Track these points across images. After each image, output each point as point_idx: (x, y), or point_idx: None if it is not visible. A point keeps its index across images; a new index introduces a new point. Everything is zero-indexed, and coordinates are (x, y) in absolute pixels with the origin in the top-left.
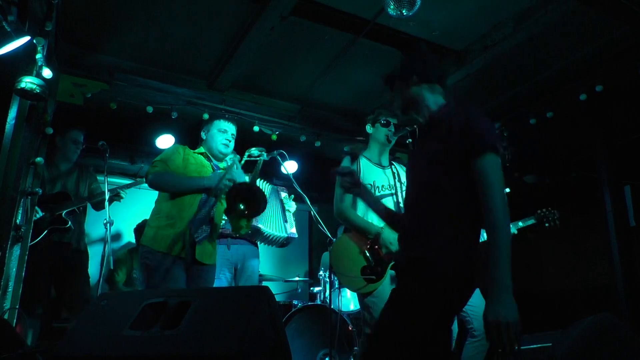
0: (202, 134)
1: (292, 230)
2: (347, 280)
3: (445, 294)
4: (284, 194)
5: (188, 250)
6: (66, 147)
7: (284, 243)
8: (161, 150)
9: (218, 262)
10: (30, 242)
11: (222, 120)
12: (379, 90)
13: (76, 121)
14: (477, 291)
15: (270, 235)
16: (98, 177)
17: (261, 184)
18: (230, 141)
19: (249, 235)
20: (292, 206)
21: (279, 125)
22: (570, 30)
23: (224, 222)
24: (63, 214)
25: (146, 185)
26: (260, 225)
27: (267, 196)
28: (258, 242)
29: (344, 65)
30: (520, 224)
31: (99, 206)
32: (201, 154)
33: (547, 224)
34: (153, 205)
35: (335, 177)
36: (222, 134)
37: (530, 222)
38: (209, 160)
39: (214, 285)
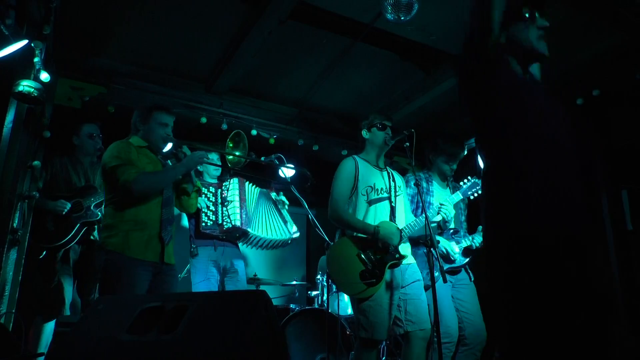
0: (138, 124)
1: (294, 229)
2: (345, 286)
3: None
4: (274, 194)
5: (159, 253)
6: (84, 142)
7: (286, 243)
8: None
9: (204, 263)
10: (62, 240)
11: (162, 113)
12: (377, 94)
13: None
14: (472, 298)
15: (271, 240)
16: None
17: (249, 187)
18: (169, 135)
19: (235, 238)
20: (286, 203)
21: (276, 129)
22: (566, 36)
23: (211, 222)
24: (92, 206)
25: None
26: (250, 230)
27: (256, 200)
28: (240, 244)
29: (341, 69)
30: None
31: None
32: (145, 147)
33: None
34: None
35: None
36: (163, 127)
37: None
38: (154, 153)
39: (203, 287)
